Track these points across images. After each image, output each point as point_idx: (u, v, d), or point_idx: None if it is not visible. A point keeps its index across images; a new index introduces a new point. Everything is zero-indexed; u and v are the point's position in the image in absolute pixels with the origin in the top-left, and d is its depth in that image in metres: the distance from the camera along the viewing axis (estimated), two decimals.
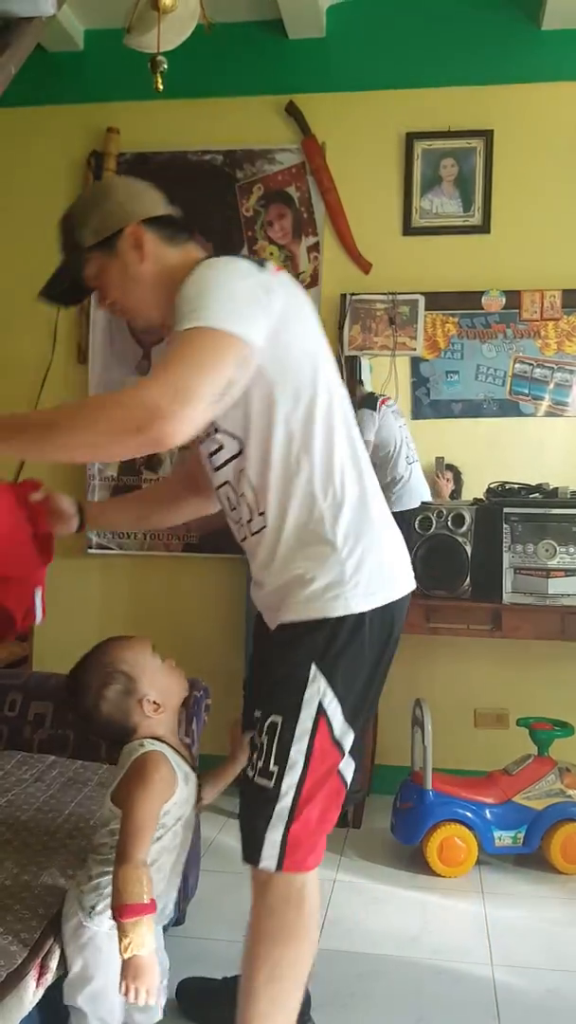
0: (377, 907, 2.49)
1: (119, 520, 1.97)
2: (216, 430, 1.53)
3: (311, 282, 3.40)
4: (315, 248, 3.40)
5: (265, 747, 1.47)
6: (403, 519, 3.15)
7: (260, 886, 1.51)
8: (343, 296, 3.36)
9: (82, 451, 1.47)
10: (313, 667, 1.46)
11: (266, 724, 1.48)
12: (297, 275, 3.40)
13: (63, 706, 2.24)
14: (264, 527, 1.53)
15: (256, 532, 1.55)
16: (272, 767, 1.46)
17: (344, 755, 1.49)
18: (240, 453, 1.53)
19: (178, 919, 2.24)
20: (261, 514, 1.53)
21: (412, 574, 1.62)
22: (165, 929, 1.75)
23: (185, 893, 2.23)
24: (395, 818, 2.79)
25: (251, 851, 1.48)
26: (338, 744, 1.48)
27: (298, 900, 1.49)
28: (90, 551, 3.52)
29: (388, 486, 3.24)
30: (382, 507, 1.58)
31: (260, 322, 1.42)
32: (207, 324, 1.37)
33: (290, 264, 3.41)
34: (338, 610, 1.47)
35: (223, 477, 1.58)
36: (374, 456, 3.16)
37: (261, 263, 1.51)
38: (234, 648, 3.34)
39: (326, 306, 3.37)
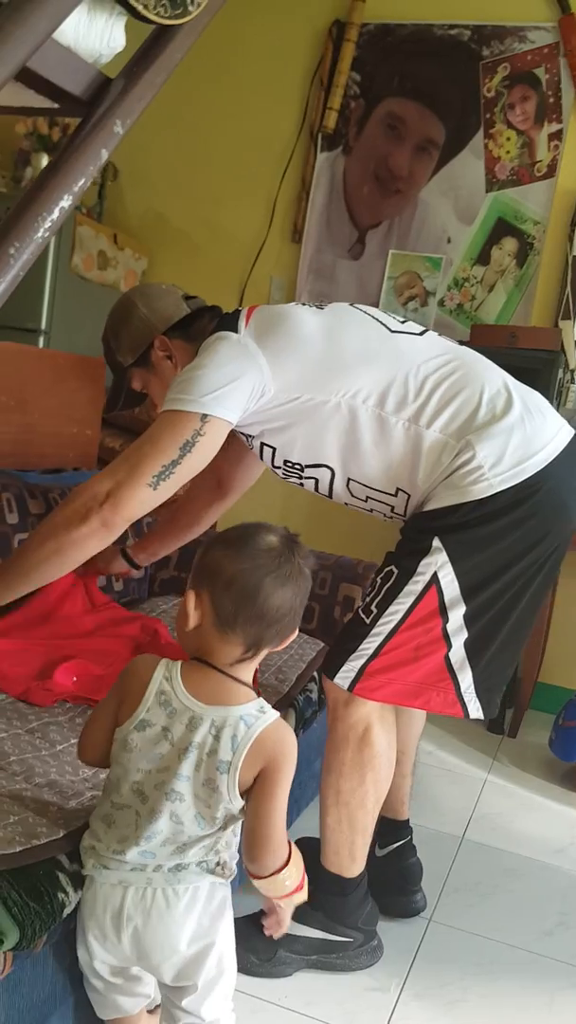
0: (527, 813, 2.46)
1: (159, 549, 2.06)
2: (303, 471, 1.62)
3: (547, 172, 3.19)
4: (557, 136, 3.18)
5: (375, 589, 1.54)
6: None
7: (333, 706, 1.58)
8: None
9: (52, 561, 1.53)
10: (436, 540, 1.48)
11: (384, 569, 1.54)
12: (533, 164, 3.21)
13: None
14: (409, 496, 1.57)
15: (406, 507, 1.59)
16: (373, 608, 1.53)
17: (448, 619, 1.49)
18: (333, 473, 1.59)
19: None
20: (395, 494, 1.58)
21: (564, 437, 1.54)
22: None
23: None
24: (555, 733, 2.72)
25: (331, 667, 1.56)
26: (444, 612, 1.49)
27: (359, 742, 1.56)
28: None
29: None
30: (492, 393, 1.53)
31: (236, 397, 1.48)
32: (173, 408, 1.47)
33: (527, 152, 3.21)
34: (481, 493, 1.47)
35: (342, 500, 1.65)
36: None
37: (235, 322, 1.55)
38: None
39: (560, 200, 3.17)
